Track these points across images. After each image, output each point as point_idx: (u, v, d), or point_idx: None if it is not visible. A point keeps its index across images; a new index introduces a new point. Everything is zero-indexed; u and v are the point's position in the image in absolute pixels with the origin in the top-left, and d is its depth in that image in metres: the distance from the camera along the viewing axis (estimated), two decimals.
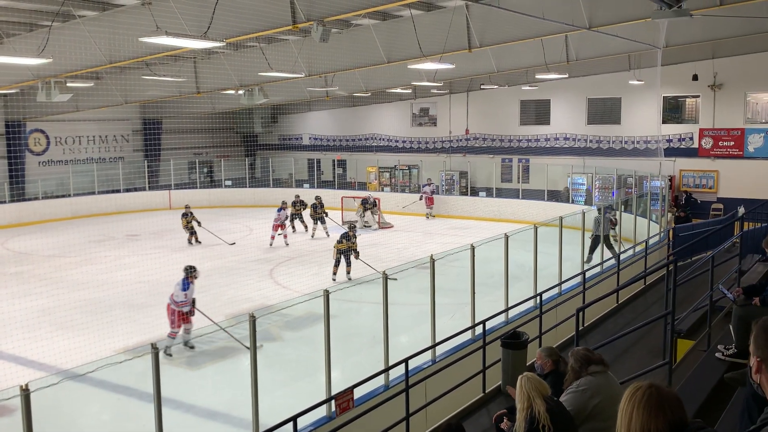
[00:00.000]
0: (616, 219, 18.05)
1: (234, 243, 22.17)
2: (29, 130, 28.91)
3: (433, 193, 28.52)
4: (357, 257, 17.12)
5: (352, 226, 18.04)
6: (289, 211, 23.47)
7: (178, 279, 12.27)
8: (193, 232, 22.54)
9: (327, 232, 23.57)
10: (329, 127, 36.34)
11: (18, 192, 27.58)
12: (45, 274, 18.17)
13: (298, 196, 25.23)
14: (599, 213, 17.54)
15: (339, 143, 35.98)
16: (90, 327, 13.11)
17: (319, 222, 23.74)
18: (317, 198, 23.95)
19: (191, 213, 22.58)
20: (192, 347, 12.27)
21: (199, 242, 22.49)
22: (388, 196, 30.05)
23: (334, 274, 17.14)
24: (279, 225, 22.12)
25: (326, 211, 23.92)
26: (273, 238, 22.03)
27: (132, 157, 32.68)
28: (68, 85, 18.84)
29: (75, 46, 14.69)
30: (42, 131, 29.47)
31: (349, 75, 22.74)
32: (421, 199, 28.43)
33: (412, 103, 33.62)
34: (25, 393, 5.16)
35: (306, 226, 24.52)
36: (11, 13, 15.00)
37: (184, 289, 12.03)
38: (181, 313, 12.00)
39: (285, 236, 22.26)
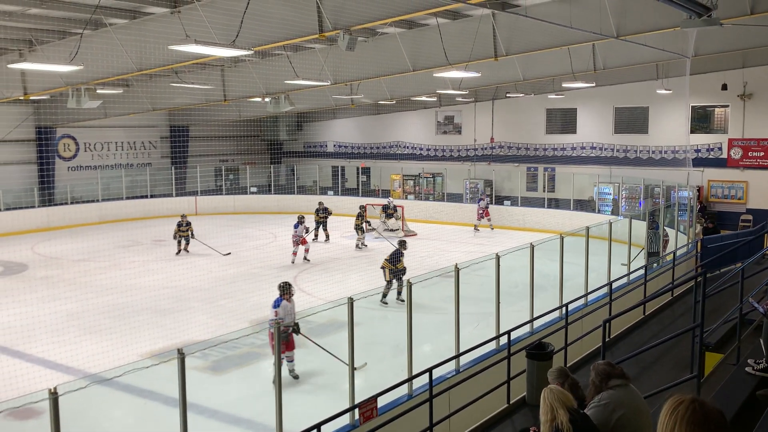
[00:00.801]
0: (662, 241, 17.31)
1: (229, 253, 21.68)
2: (59, 136, 29.43)
3: (487, 206, 27.61)
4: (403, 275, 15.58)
5: (401, 242, 16.47)
6: (311, 219, 23.19)
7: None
8: (181, 242, 22.07)
9: (364, 242, 23.17)
10: (354, 134, 36.48)
11: (47, 197, 28.04)
12: (73, 279, 18.44)
13: (322, 203, 24.86)
14: (650, 229, 16.48)
15: (363, 151, 36.06)
16: (116, 331, 13.29)
17: (359, 232, 23.17)
18: (361, 207, 23.67)
19: (188, 223, 22.19)
20: (296, 377, 11.01)
21: (187, 251, 22.08)
22: (412, 204, 30.01)
23: (385, 296, 15.36)
24: (302, 240, 20.89)
25: (368, 219, 23.64)
26: (295, 254, 20.60)
27: (159, 164, 33.10)
28: (98, 91, 19.15)
29: (105, 54, 14.94)
30: (71, 137, 29.99)
31: (374, 83, 22.79)
32: (480, 216, 27.30)
33: (436, 111, 33.64)
34: (54, 396, 5.21)
35: (327, 236, 24.29)
36: (43, 21, 15.29)
37: (275, 307, 11.18)
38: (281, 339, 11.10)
39: (306, 251, 20.85)
